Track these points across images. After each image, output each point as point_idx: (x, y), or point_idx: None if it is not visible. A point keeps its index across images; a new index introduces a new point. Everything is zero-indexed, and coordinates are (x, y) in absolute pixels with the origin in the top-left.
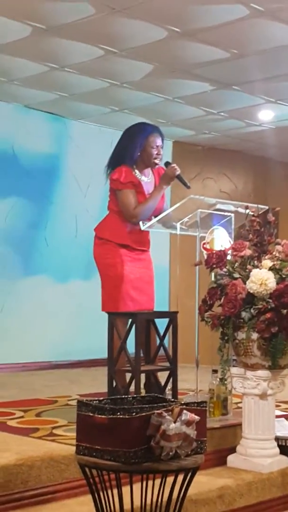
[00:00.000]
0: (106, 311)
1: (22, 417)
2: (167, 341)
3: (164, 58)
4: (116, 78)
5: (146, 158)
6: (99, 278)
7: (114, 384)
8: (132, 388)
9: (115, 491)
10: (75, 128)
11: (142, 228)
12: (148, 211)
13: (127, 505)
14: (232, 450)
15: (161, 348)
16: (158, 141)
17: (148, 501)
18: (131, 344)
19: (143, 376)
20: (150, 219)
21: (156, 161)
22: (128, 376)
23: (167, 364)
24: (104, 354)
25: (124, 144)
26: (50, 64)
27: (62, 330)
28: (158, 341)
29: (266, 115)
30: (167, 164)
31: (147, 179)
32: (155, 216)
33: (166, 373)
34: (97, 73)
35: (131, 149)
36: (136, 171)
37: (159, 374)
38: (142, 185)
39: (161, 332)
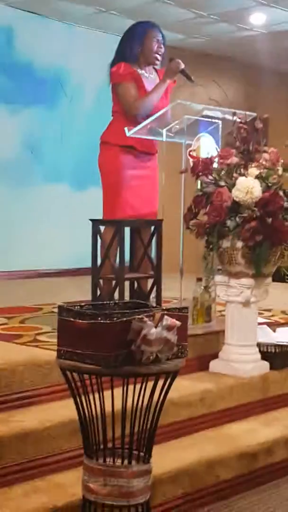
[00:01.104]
0: (105, 218)
1: (6, 324)
2: (153, 250)
3: None
4: None
5: (147, 53)
6: (96, 186)
7: (99, 292)
8: (116, 296)
9: (97, 395)
10: (59, 30)
11: (128, 134)
12: (150, 105)
13: (108, 408)
14: (215, 356)
15: (146, 256)
16: (159, 36)
17: (129, 404)
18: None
19: (128, 284)
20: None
21: (157, 56)
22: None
23: (152, 272)
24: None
25: (124, 41)
26: None
27: (52, 238)
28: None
29: (259, 18)
30: (171, 59)
31: (148, 75)
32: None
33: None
34: None
35: (130, 45)
36: (137, 67)
37: (145, 283)
38: (142, 79)
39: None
